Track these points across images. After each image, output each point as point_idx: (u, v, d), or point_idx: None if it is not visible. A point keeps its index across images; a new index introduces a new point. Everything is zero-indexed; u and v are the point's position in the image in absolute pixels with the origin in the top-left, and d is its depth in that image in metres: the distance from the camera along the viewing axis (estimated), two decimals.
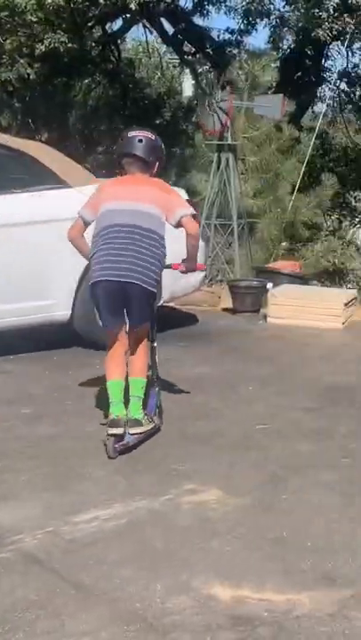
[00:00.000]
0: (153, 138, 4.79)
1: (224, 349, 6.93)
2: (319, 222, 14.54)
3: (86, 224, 4.83)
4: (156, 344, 4.98)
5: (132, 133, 4.81)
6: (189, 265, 4.98)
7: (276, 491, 4.01)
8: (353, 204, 17.09)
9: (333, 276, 14.50)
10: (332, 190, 12.56)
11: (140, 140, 4.71)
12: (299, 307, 8.09)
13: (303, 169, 11.31)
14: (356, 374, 6.34)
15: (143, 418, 4.67)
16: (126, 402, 4.64)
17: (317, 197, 12.19)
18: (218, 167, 10.30)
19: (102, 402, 5.41)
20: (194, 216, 4.80)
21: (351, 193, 16.82)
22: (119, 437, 4.49)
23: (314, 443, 4.73)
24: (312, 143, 11.77)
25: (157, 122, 15.51)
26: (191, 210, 4.78)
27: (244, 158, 11.25)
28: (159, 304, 6.44)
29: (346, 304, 8.21)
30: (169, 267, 4.89)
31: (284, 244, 11.93)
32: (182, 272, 5.03)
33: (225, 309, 8.83)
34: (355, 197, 16.99)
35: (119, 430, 4.49)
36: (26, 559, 3.28)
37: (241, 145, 10.91)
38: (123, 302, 4.57)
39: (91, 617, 2.90)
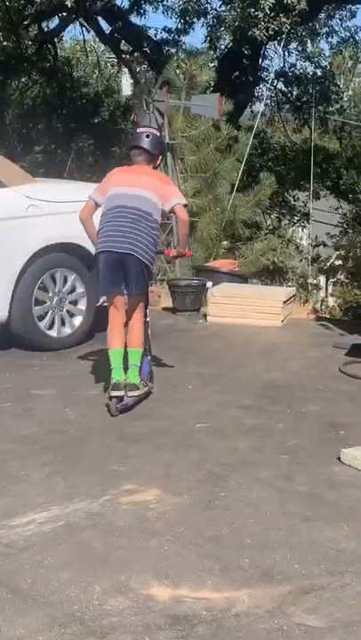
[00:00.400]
0: (158, 134, 5.70)
1: (164, 349, 6.92)
2: (259, 221, 14.68)
3: (97, 206, 5.48)
4: (149, 319, 5.64)
5: (140, 129, 5.74)
6: (180, 251, 5.80)
7: (214, 489, 4.02)
8: (292, 202, 17.30)
9: (273, 275, 14.65)
10: (271, 189, 12.65)
11: (148, 136, 5.49)
12: (238, 305, 8.14)
13: (242, 168, 11.38)
14: (295, 372, 6.40)
15: (140, 383, 5.34)
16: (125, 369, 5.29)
17: (256, 196, 12.27)
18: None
19: (40, 404, 5.37)
20: (185, 206, 5.52)
21: (290, 192, 17.04)
22: (120, 399, 5.19)
23: (253, 440, 4.76)
24: (250, 142, 11.84)
25: (96, 120, 15.49)
26: (184, 200, 5.53)
27: (183, 158, 11.25)
28: (98, 304, 6.51)
29: (285, 302, 8.29)
30: (162, 252, 5.76)
31: (224, 242, 11.99)
32: (173, 257, 6.21)
33: (165, 309, 8.83)
34: (293, 196, 17.21)
35: (120, 393, 5.19)
36: None
37: (180, 144, 10.91)
38: (121, 272, 5.21)
39: (27, 621, 2.87)
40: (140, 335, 5.39)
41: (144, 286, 5.35)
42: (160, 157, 5.65)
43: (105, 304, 6.90)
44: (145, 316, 5.51)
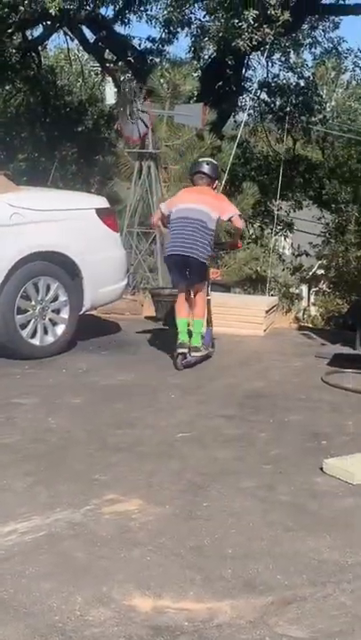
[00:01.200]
0: (215, 163, 7.30)
1: (146, 358, 6.92)
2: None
3: (163, 215, 7.02)
4: (210, 297, 7.09)
5: (202, 159, 7.49)
6: (232, 243, 7.72)
7: (196, 499, 4.02)
8: (275, 212, 17.35)
9: (256, 284, 14.70)
10: (254, 199, 12.71)
11: (208, 164, 7.09)
12: (221, 314, 8.14)
13: (225, 177, 11.39)
14: (277, 381, 6.42)
15: (202, 346, 6.77)
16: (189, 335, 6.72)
17: (239, 205, 12.29)
18: (140, 175, 10.30)
19: (22, 413, 5.35)
20: (240, 216, 7.12)
21: (273, 201, 17.09)
22: (184, 356, 6.63)
23: (235, 450, 4.76)
24: (233, 152, 11.87)
25: (79, 129, 15.50)
26: (238, 211, 7.05)
27: (166, 166, 11.28)
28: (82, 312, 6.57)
29: (267, 311, 8.32)
30: (223, 249, 8.27)
31: None
32: (228, 247, 8.04)
33: (148, 317, 8.83)
34: (276, 206, 17.26)
35: (184, 349, 6.65)
36: None
37: (163, 153, 10.93)
38: (185, 268, 6.70)
39: (8, 631, 2.85)
40: (203, 308, 6.83)
41: (204, 277, 6.84)
42: (216, 181, 7.15)
43: (87, 312, 7.01)
44: (207, 294, 6.96)
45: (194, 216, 6.65)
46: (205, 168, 6.99)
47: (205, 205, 6.72)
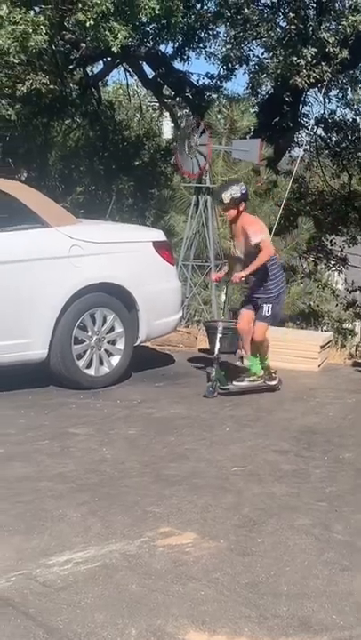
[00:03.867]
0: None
1: (200, 390, 6.92)
2: (295, 265, 14.70)
3: None
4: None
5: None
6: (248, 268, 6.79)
7: (251, 534, 4.00)
8: (329, 247, 17.31)
9: (309, 318, 14.62)
10: (309, 234, 12.70)
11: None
12: (275, 348, 8.11)
13: (280, 212, 11.43)
14: (331, 417, 6.36)
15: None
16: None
17: (294, 240, 12.33)
18: (196, 209, 10.38)
19: (77, 443, 5.39)
20: None
21: (327, 236, 17.06)
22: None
23: (290, 486, 4.72)
24: (289, 187, 11.91)
25: (136, 163, 15.70)
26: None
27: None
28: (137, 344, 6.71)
29: (322, 346, 8.26)
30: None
31: None
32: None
33: (202, 350, 8.84)
34: (330, 241, 17.22)
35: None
36: None
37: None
38: None
39: None
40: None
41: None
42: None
43: (142, 344, 7.09)
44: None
45: None
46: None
47: None
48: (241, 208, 6.79)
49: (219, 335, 6.91)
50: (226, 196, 6.70)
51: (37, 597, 3.29)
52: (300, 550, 3.84)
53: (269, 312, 6.88)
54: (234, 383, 6.90)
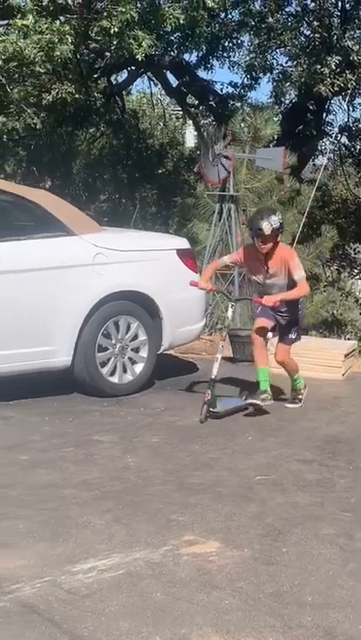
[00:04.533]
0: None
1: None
2: (318, 273, 14.64)
3: None
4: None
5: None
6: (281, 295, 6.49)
7: (275, 544, 3.99)
8: (352, 255, 17.25)
9: (332, 327, 14.55)
10: (332, 242, 12.65)
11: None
12: (299, 357, 8.08)
13: (303, 220, 11.41)
14: (356, 426, 6.33)
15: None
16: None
17: (317, 249, 12.28)
18: (220, 217, 10.39)
19: (101, 450, 5.41)
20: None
21: (351, 245, 16.99)
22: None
23: (314, 495, 4.71)
24: (312, 195, 11.88)
25: (160, 171, 15.75)
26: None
27: (245, 209, 11.35)
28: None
29: (346, 355, 8.23)
30: None
31: None
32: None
33: (225, 358, 8.82)
34: (354, 249, 17.15)
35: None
36: (24, 609, 3.24)
37: (242, 196, 11.02)
38: None
39: None
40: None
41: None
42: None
43: (165, 352, 7.09)
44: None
45: None
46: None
47: None
48: (279, 239, 6.49)
49: (219, 356, 6.47)
50: (267, 227, 6.27)
51: (62, 604, 3.30)
52: (325, 560, 3.83)
53: (295, 335, 6.79)
54: (250, 402, 6.55)
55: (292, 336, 6.76)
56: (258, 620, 3.25)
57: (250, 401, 6.53)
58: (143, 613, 3.26)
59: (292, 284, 6.46)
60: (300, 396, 6.90)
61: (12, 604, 3.28)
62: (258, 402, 6.47)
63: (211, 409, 6.20)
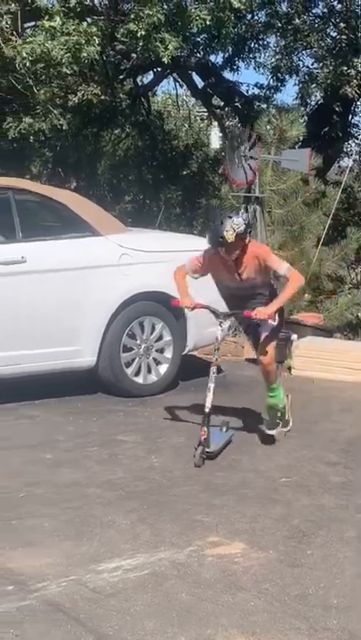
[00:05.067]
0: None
1: (247, 400, 6.90)
2: (343, 275, 14.57)
3: None
4: None
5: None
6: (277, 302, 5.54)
7: (300, 546, 3.97)
8: None
9: (356, 329, 14.45)
10: (357, 244, 12.58)
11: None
12: (324, 359, 8.08)
13: (328, 222, 11.37)
14: None
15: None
16: None
17: (342, 250, 12.21)
18: None
19: (125, 450, 5.42)
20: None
21: None
22: None
23: (339, 498, 4.69)
24: (338, 197, 11.83)
25: (184, 173, 15.73)
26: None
27: (270, 210, 11.32)
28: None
29: None
30: None
31: (306, 295, 11.94)
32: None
33: (249, 360, 8.81)
34: None
35: None
36: (50, 607, 3.26)
37: (268, 197, 10.99)
38: None
39: None
40: None
41: None
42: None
43: (190, 353, 7.05)
44: None
45: None
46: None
47: None
48: (247, 241, 5.42)
49: (211, 385, 5.46)
50: (230, 235, 5.23)
51: (87, 603, 3.31)
52: (350, 563, 3.81)
53: (276, 322, 5.62)
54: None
55: (273, 323, 5.58)
56: (283, 622, 3.24)
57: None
58: (168, 613, 3.26)
59: (268, 282, 5.66)
60: (278, 420, 5.81)
61: (38, 602, 3.30)
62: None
63: (207, 450, 5.22)
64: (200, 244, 7.70)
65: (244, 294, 5.62)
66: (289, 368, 8.28)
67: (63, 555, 3.76)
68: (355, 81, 11.28)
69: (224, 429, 5.67)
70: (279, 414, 5.79)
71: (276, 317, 5.58)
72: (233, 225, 5.24)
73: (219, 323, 5.64)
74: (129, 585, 3.49)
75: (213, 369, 5.53)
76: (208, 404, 5.34)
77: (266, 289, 5.66)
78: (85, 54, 9.11)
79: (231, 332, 9.52)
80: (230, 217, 5.34)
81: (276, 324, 5.60)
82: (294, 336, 8.74)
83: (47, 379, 6.54)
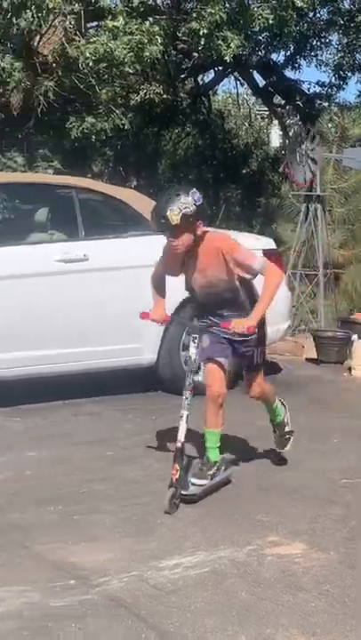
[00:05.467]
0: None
1: (308, 400, 6.86)
2: None
3: None
4: None
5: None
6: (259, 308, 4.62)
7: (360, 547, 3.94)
8: None
9: None
10: None
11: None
12: None
13: None
14: None
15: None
16: None
17: None
18: (305, 217, 10.32)
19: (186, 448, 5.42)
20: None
21: None
22: None
23: None
24: None
25: (244, 171, 15.71)
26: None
27: (331, 209, 11.26)
28: None
29: None
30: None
31: None
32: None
33: (309, 359, 8.77)
34: None
35: None
36: (112, 602, 3.29)
37: (329, 196, 10.92)
38: None
39: None
40: None
41: None
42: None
43: None
44: None
45: None
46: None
47: None
48: (199, 229, 4.39)
49: (185, 413, 4.58)
50: (174, 215, 4.21)
51: (148, 599, 3.34)
52: None
53: (260, 357, 4.85)
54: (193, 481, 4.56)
55: (259, 360, 4.84)
56: (344, 623, 3.21)
57: (194, 480, 4.55)
58: (228, 612, 3.27)
59: (244, 284, 4.64)
60: (286, 434, 5.20)
61: (100, 597, 3.33)
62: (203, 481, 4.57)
63: (183, 492, 4.35)
64: (262, 243, 7.73)
65: (211, 301, 4.66)
66: (349, 369, 8.21)
67: (124, 550, 3.79)
68: None
69: (223, 468, 4.73)
70: (287, 428, 5.19)
71: (260, 355, 4.81)
72: (180, 204, 4.22)
73: (192, 339, 4.70)
74: (189, 582, 3.50)
75: (187, 394, 4.63)
76: (181, 437, 4.44)
77: (238, 293, 4.65)
78: (148, 54, 9.17)
79: (291, 331, 9.48)
80: (178, 195, 4.25)
81: (261, 360, 4.83)
82: (355, 336, 8.68)
83: (108, 375, 6.60)
